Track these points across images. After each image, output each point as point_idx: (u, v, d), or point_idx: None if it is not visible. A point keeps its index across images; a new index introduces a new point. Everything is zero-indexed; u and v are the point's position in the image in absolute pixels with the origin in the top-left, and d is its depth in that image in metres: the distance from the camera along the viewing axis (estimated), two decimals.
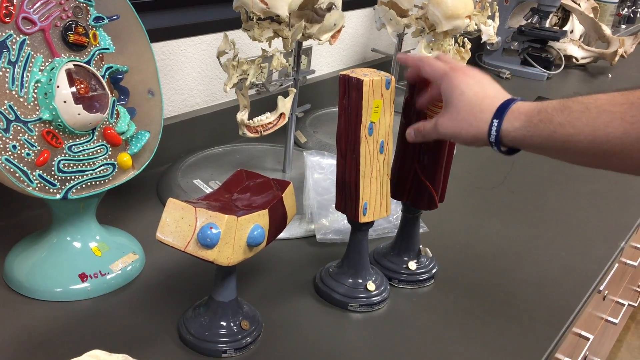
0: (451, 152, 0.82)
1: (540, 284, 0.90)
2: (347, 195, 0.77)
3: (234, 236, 0.64)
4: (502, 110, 0.65)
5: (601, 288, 1.10)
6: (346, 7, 1.35)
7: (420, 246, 0.89)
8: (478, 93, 0.67)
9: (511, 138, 0.64)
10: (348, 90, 0.73)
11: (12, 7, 0.68)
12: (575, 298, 0.87)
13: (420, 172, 0.81)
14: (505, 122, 0.64)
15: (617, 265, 1.16)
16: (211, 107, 1.23)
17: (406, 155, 0.81)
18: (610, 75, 2.06)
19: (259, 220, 0.67)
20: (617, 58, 2.04)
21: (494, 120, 0.65)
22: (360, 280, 0.81)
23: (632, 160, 0.58)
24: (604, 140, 0.58)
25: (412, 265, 0.86)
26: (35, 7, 0.70)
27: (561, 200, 1.16)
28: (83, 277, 0.77)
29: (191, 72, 1.17)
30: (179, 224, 0.63)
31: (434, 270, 0.88)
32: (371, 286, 0.80)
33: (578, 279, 0.92)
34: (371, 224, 0.79)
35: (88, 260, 0.79)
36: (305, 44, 1.08)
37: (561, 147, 0.61)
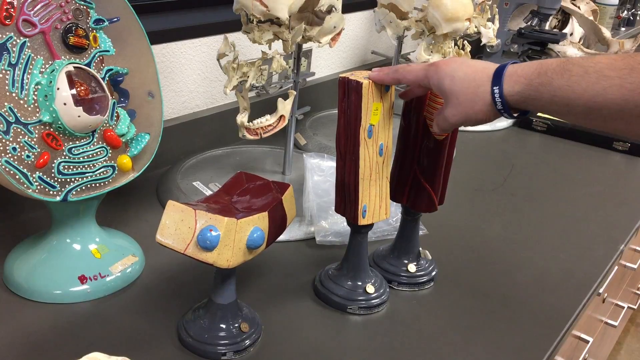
0: (451, 154, 0.82)
1: (540, 287, 0.90)
2: (347, 197, 0.77)
3: (234, 238, 0.64)
4: (498, 76, 0.65)
5: (600, 291, 1.10)
6: (346, 9, 1.35)
7: (420, 249, 0.89)
8: (467, 71, 0.67)
9: (514, 101, 0.65)
10: (347, 93, 0.74)
11: (12, 10, 0.68)
12: (574, 301, 0.87)
13: (420, 174, 0.81)
14: (506, 86, 0.64)
15: (616, 267, 1.16)
16: (211, 109, 1.23)
17: (405, 157, 0.81)
18: None
19: (259, 222, 0.67)
20: None
21: (494, 88, 0.65)
22: (360, 283, 0.81)
23: (631, 126, 0.59)
24: (603, 106, 0.58)
25: (412, 267, 0.86)
26: (35, 9, 0.70)
27: (560, 203, 1.16)
28: (82, 279, 0.77)
29: (191, 74, 1.17)
30: (178, 226, 0.63)
31: (433, 273, 0.88)
32: (370, 289, 0.80)
33: (577, 281, 0.92)
34: (370, 226, 0.79)
35: (88, 262, 0.79)
36: (305, 46, 1.08)
37: (562, 110, 0.62)
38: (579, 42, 2.17)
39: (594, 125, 0.62)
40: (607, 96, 0.58)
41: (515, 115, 0.67)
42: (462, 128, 1.39)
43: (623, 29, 2.90)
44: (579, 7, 2.17)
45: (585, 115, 0.61)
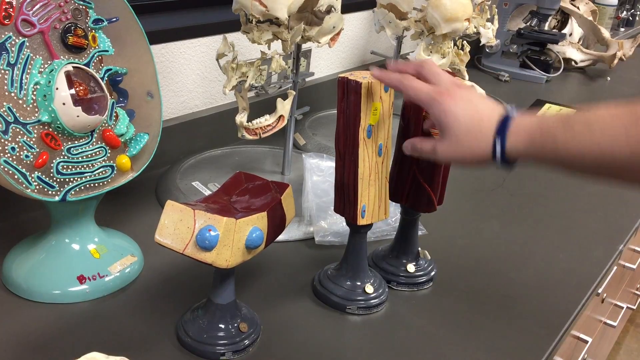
0: None
1: (539, 287, 0.90)
2: (346, 197, 0.77)
3: (233, 238, 0.64)
4: (502, 130, 0.63)
5: (600, 291, 1.10)
6: (345, 9, 1.35)
7: (419, 249, 0.89)
8: (473, 116, 0.64)
9: (514, 156, 0.63)
10: (347, 93, 0.74)
11: (11, 9, 0.68)
12: (573, 301, 0.87)
13: (419, 174, 0.81)
14: (508, 141, 0.62)
15: (615, 268, 1.16)
16: (210, 109, 1.23)
17: (405, 157, 0.81)
18: (609, 78, 2.06)
19: (258, 222, 0.67)
20: (616, 61, 2.04)
21: (497, 142, 0.63)
22: (359, 283, 0.81)
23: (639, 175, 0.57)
24: (610, 160, 0.57)
25: (411, 267, 0.86)
26: (34, 9, 0.70)
27: (560, 203, 1.16)
28: (81, 279, 0.77)
29: (190, 75, 1.17)
30: (177, 226, 0.63)
31: (432, 273, 0.88)
32: (369, 289, 0.80)
33: (576, 281, 0.92)
34: (370, 226, 0.79)
35: (86, 262, 0.79)
36: (304, 46, 1.08)
37: (568, 165, 0.61)
38: (578, 42, 2.17)
39: (604, 180, 0.61)
40: (613, 149, 0.56)
41: (508, 167, 0.65)
42: None
43: (622, 29, 2.90)
44: (578, 8, 2.17)
45: (594, 170, 0.59)
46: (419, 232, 0.92)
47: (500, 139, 0.63)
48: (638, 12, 3.06)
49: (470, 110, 0.65)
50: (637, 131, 0.55)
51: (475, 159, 0.65)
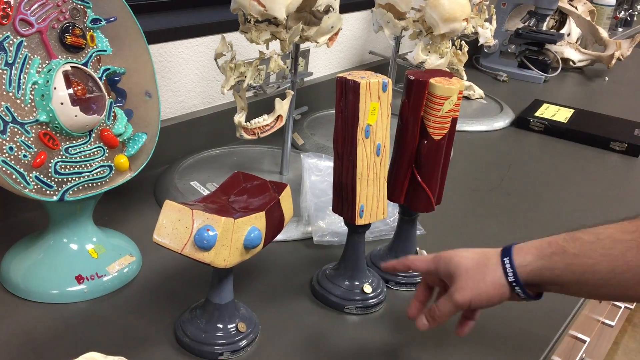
0: (448, 154, 0.82)
1: None
2: (344, 197, 0.77)
3: (231, 238, 0.64)
4: (507, 250, 0.64)
5: None
6: (344, 9, 1.36)
7: (417, 248, 0.89)
8: (475, 251, 0.66)
9: (527, 273, 0.62)
10: (345, 93, 0.74)
11: (9, 9, 0.68)
12: (571, 300, 0.87)
13: (417, 174, 0.81)
14: (516, 257, 0.62)
15: None
16: (208, 109, 1.23)
17: (403, 157, 0.81)
18: (607, 78, 2.07)
19: (256, 222, 0.67)
20: (614, 61, 2.04)
21: (505, 259, 0.63)
22: (357, 283, 0.81)
23: None
24: (625, 269, 0.57)
25: None
26: (32, 8, 0.70)
27: (558, 203, 1.16)
28: (79, 279, 0.77)
29: (189, 74, 1.17)
30: (175, 226, 0.63)
31: None
32: (367, 288, 0.80)
33: None
34: (368, 226, 0.79)
35: (85, 262, 0.79)
36: (302, 46, 1.08)
37: (580, 279, 0.59)
38: (576, 42, 2.17)
39: (617, 294, 0.59)
40: (626, 259, 0.56)
41: (531, 294, 0.63)
42: (459, 127, 1.40)
43: (620, 29, 2.90)
44: (576, 8, 2.18)
45: (606, 282, 0.58)
46: (418, 232, 0.92)
47: (508, 259, 0.63)
48: (636, 12, 3.07)
49: (472, 251, 0.67)
50: None
51: (490, 285, 0.63)
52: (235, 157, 1.19)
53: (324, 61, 1.51)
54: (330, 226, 0.95)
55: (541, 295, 0.65)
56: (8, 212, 0.91)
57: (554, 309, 0.85)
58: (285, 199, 0.73)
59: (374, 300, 0.80)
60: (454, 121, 0.80)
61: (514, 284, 0.63)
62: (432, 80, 0.77)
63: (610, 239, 0.58)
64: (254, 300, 0.80)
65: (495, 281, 0.63)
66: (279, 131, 1.03)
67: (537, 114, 1.56)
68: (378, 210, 0.78)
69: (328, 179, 1.03)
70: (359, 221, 0.77)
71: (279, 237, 0.81)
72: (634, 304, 2.01)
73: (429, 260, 0.69)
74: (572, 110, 1.61)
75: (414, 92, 0.78)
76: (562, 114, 1.57)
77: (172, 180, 1.06)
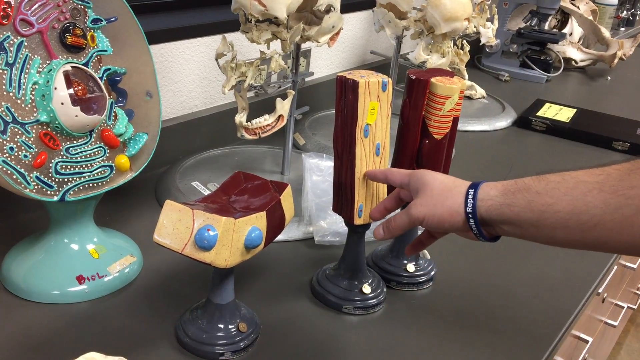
0: (449, 154, 0.82)
1: (539, 286, 0.90)
2: (343, 197, 0.77)
3: (232, 238, 0.63)
4: (476, 185, 0.64)
5: (600, 290, 1.09)
6: (345, 9, 1.35)
7: None
8: (449, 178, 0.67)
9: (487, 207, 0.62)
10: (344, 92, 0.73)
11: (9, 9, 0.68)
12: (573, 301, 0.87)
13: None
14: (481, 191, 0.63)
15: (616, 267, 1.16)
16: (210, 109, 1.23)
17: (404, 157, 0.81)
18: (609, 78, 2.06)
19: (257, 222, 0.67)
20: (616, 60, 2.04)
21: (470, 190, 0.64)
22: (356, 283, 0.81)
23: (612, 232, 0.56)
24: (584, 210, 0.56)
25: (411, 267, 0.86)
26: (33, 8, 0.70)
27: None
28: (80, 279, 0.77)
29: (189, 74, 1.17)
30: (176, 225, 0.63)
31: (432, 273, 0.87)
32: (366, 289, 0.80)
33: (577, 281, 0.92)
34: (367, 226, 0.79)
35: (85, 262, 0.79)
36: (303, 46, 1.08)
37: (539, 219, 0.59)
38: (578, 42, 2.17)
39: (573, 238, 0.58)
40: (586, 199, 0.56)
41: (484, 234, 0.64)
42: (460, 127, 1.39)
43: (622, 29, 2.90)
44: (578, 7, 2.17)
45: (563, 224, 0.58)
46: (419, 232, 0.92)
47: (473, 191, 0.63)
48: (638, 12, 3.06)
49: (446, 177, 0.68)
50: (610, 184, 0.56)
51: (447, 209, 0.64)
52: (237, 157, 1.19)
53: (325, 61, 1.51)
54: (332, 226, 0.95)
55: (497, 238, 0.65)
56: (9, 212, 0.91)
57: (556, 309, 0.85)
58: (286, 199, 0.73)
59: (373, 300, 0.80)
60: (456, 121, 0.80)
61: (470, 215, 0.63)
62: (433, 80, 0.77)
63: (574, 180, 0.58)
64: (254, 300, 0.80)
65: (453, 208, 0.64)
66: (280, 131, 1.03)
67: (539, 113, 1.56)
68: None
69: (329, 179, 1.03)
70: (358, 221, 0.77)
71: (280, 237, 0.81)
72: (637, 304, 2.01)
73: (405, 174, 0.70)
74: (575, 110, 1.60)
75: (415, 91, 0.77)
76: (565, 114, 1.57)
77: (173, 180, 1.06)
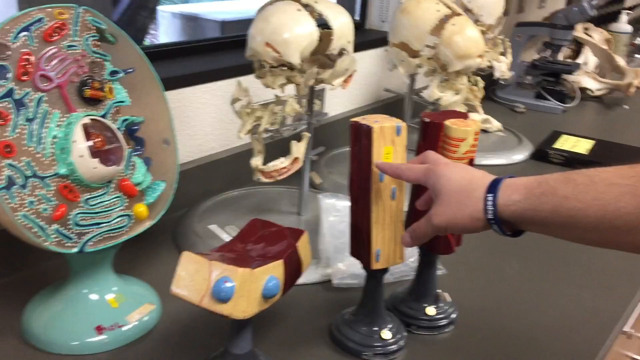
0: None
1: (563, 327, 0.88)
2: (360, 241, 0.77)
3: (249, 289, 0.63)
4: (494, 185, 0.62)
5: (625, 329, 1.07)
6: (357, 47, 1.36)
7: (439, 291, 0.87)
8: (464, 176, 0.64)
9: (510, 212, 0.60)
10: (359, 137, 0.74)
11: (29, 66, 0.70)
12: (598, 341, 0.85)
13: None
14: (502, 195, 0.60)
15: None
16: (227, 151, 1.24)
17: (420, 212, 0.80)
18: (626, 107, 2.05)
19: (274, 271, 0.66)
20: (632, 89, 2.02)
21: (488, 195, 0.61)
22: (376, 328, 0.80)
23: None
24: (616, 216, 0.53)
25: (431, 310, 0.85)
26: (52, 64, 0.72)
27: None
28: (100, 329, 0.77)
29: (206, 118, 1.19)
30: (193, 277, 0.63)
31: (453, 316, 0.86)
32: (386, 334, 0.79)
33: (601, 321, 0.90)
34: (385, 270, 0.79)
35: (105, 312, 0.79)
36: (318, 87, 1.09)
37: (567, 223, 0.56)
38: (593, 71, 2.16)
39: (604, 240, 0.56)
40: (619, 205, 0.53)
41: (508, 232, 0.62)
42: (477, 162, 1.39)
43: (638, 56, 2.89)
44: (592, 37, 2.17)
45: (594, 228, 0.55)
46: (438, 272, 0.91)
47: (492, 193, 0.61)
48: None
49: (463, 172, 0.65)
50: None
51: (467, 215, 0.62)
52: (254, 199, 1.19)
53: (340, 99, 1.52)
54: (350, 268, 0.94)
55: (521, 233, 0.63)
56: (28, 262, 0.92)
57: (581, 350, 0.83)
58: (303, 246, 0.73)
59: (393, 346, 0.79)
60: (471, 162, 0.79)
61: (492, 221, 0.61)
62: (447, 122, 0.77)
63: (604, 182, 0.54)
64: (272, 348, 0.80)
65: (474, 215, 0.62)
66: (297, 171, 1.03)
67: (556, 145, 1.54)
68: (395, 255, 0.77)
69: (346, 220, 1.01)
70: (375, 265, 0.76)
71: (298, 281, 0.81)
72: None
73: (420, 172, 0.68)
74: (593, 142, 1.59)
75: (429, 134, 0.77)
76: (583, 145, 1.56)
77: (191, 224, 1.07)
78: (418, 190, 0.80)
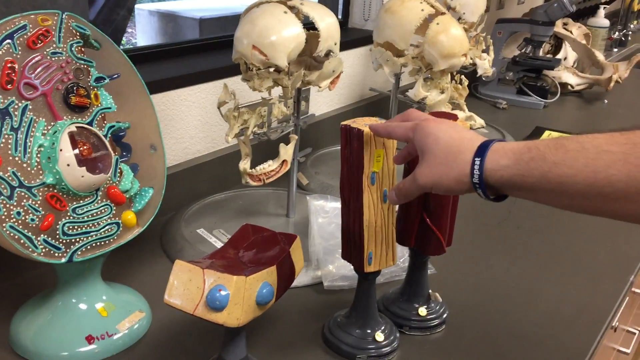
0: (457, 196, 0.82)
1: (552, 325, 0.89)
2: (352, 244, 0.77)
3: (243, 296, 0.63)
4: (483, 149, 0.60)
5: (614, 324, 1.08)
6: (342, 46, 1.36)
7: (430, 291, 0.88)
8: (453, 135, 0.62)
9: (497, 177, 0.58)
10: (349, 140, 0.73)
11: (13, 74, 0.68)
12: (588, 338, 0.86)
13: (427, 217, 0.80)
14: (489, 160, 0.59)
15: (627, 298, 1.15)
16: (212, 154, 1.23)
17: (412, 201, 0.80)
18: (606, 101, 2.07)
19: (268, 277, 0.66)
20: (612, 84, 2.05)
21: (476, 159, 0.59)
22: (369, 331, 0.80)
23: (636, 205, 0.52)
24: (606, 183, 0.52)
25: (423, 311, 0.85)
26: (36, 72, 0.71)
27: (567, 234, 1.16)
28: (90, 339, 0.76)
29: (192, 121, 1.18)
30: (187, 286, 0.63)
31: (444, 315, 0.87)
32: (379, 336, 0.79)
33: (590, 317, 0.91)
34: (377, 273, 0.79)
35: (94, 321, 0.78)
36: (304, 88, 1.08)
37: (556, 189, 0.55)
38: (572, 66, 2.18)
39: (591, 207, 0.55)
40: (609, 172, 0.52)
41: (491, 197, 0.61)
42: None
43: (615, 49, 2.92)
44: (571, 32, 2.19)
45: (583, 195, 0.54)
46: (429, 271, 0.91)
47: (479, 157, 0.59)
48: (630, 32, 3.09)
49: (452, 131, 0.63)
50: (635, 155, 0.52)
51: (452, 177, 0.61)
52: (241, 201, 1.19)
53: (324, 99, 1.52)
54: (340, 270, 0.94)
55: (504, 197, 0.62)
56: (15, 271, 0.90)
57: (571, 348, 0.84)
58: (296, 251, 0.73)
59: (387, 348, 0.79)
60: None
61: (477, 186, 0.60)
62: None
63: (596, 149, 0.53)
64: (266, 353, 0.79)
65: (459, 178, 0.61)
66: (284, 173, 1.02)
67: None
68: (387, 257, 0.78)
69: (335, 221, 1.02)
70: (368, 268, 0.76)
71: None
72: None
73: (408, 128, 0.66)
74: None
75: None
76: None
77: (178, 228, 1.06)
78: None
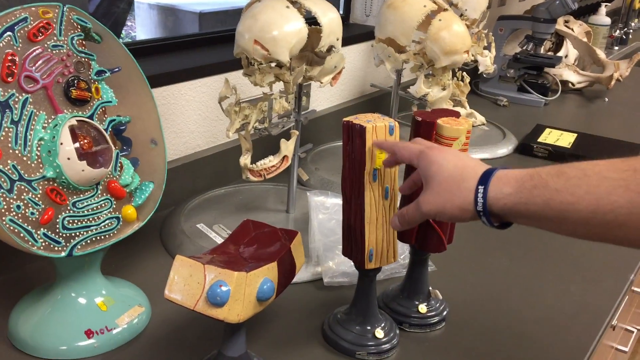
0: None
1: (552, 322, 0.89)
2: (353, 241, 0.76)
3: (244, 292, 0.63)
4: (486, 177, 0.61)
5: (613, 323, 1.08)
6: (344, 42, 1.36)
7: (430, 288, 0.87)
8: (457, 164, 0.63)
9: (501, 206, 0.59)
10: (352, 137, 0.73)
11: (14, 67, 0.68)
12: (589, 335, 0.86)
13: None
14: (493, 188, 0.59)
15: (627, 297, 1.15)
16: (212, 149, 1.23)
17: (413, 198, 0.80)
18: (607, 99, 2.07)
19: (268, 273, 0.66)
20: (613, 82, 2.05)
21: (479, 187, 0.60)
22: (369, 327, 0.80)
23: (638, 232, 0.52)
24: (608, 210, 0.53)
25: (423, 308, 0.85)
26: (37, 64, 0.70)
27: None
28: (89, 333, 0.76)
29: (192, 115, 1.17)
30: (187, 281, 0.62)
31: (444, 313, 0.86)
32: (379, 333, 0.79)
33: (590, 315, 0.91)
34: (378, 270, 0.78)
35: (94, 315, 0.78)
36: (305, 84, 1.08)
37: (558, 216, 0.56)
38: (573, 63, 2.18)
39: (595, 234, 0.55)
40: (611, 198, 0.52)
41: (496, 224, 0.62)
42: None
43: (616, 47, 2.92)
44: (572, 30, 2.19)
45: (585, 222, 0.54)
46: (429, 269, 0.91)
47: (483, 185, 0.60)
48: (631, 30, 3.09)
49: (456, 160, 0.64)
50: (636, 182, 0.52)
51: (456, 205, 0.62)
52: (241, 196, 1.18)
53: (326, 94, 1.51)
54: (340, 266, 0.94)
55: (509, 224, 0.62)
56: (14, 264, 0.90)
57: (571, 345, 0.84)
58: (296, 247, 0.72)
59: (386, 345, 0.79)
60: None
61: (481, 213, 0.61)
62: (439, 121, 0.76)
63: (597, 176, 0.54)
64: (266, 349, 0.79)
65: (463, 206, 0.61)
66: (285, 168, 1.02)
67: (540, 139, 1.56)
68: (388, 254, 0.77)
69: (336, 217, 1.02)
70: (369, 265, 0.76)
71: None
72: None
73: (414, 153, 0.67)
74: (575, 135, 1.60)
75: (421, 133, 0.77)
76: (566, 139, 1.57)
77: (178, 223, 1.05)
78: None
